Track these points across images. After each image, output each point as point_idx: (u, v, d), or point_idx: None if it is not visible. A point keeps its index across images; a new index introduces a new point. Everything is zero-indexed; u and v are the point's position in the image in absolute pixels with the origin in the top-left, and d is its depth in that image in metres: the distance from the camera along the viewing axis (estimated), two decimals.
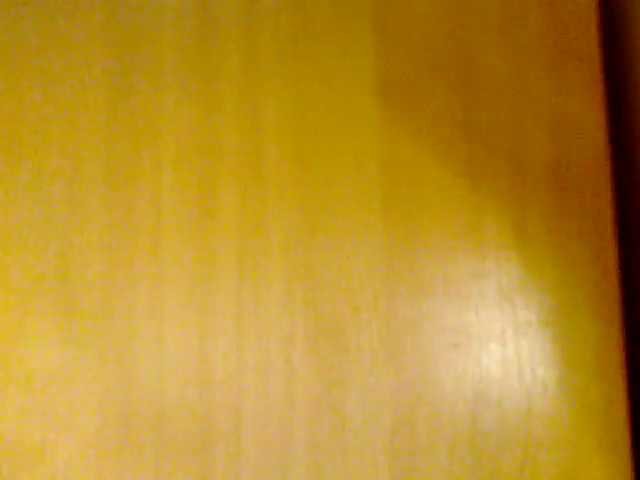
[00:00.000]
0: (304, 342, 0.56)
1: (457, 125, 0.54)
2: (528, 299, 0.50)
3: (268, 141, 0.61)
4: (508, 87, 0.54)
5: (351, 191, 0.57)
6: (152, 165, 0.65)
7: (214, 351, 0.61)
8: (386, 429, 0.53)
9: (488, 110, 0.54)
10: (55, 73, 0.68)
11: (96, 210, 0.66)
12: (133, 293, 0.64)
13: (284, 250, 0.58)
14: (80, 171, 0.68)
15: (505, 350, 0.50)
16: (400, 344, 0.53)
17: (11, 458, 0.68)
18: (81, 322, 0.67)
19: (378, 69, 0.59)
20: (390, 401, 0.53)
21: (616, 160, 0.63)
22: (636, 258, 0.60)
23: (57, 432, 0.66)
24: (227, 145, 0.62)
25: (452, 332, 0.52)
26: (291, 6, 0.64)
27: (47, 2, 0.71)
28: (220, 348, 0.60)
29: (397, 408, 0.53)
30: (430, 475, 0.51)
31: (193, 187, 0.64)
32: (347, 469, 0.54)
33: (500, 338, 0.50)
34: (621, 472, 0.48)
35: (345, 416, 0.54)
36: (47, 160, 0.69)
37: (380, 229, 0.55)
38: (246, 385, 0.59)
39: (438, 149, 0.54)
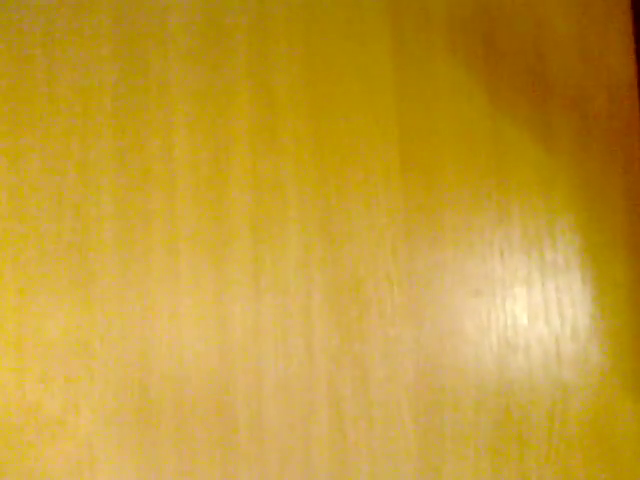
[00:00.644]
0: (322, 298, 0.55)
1: (477, 60, 0.52)
2: (555, 241, 0.48)
3: (281, 99, 0.59)
4: (530, 17, 0.51)
5: (368, 145, 0.55)
6: (164, 128, 0.64)
7: (232, 312, 0.60)
8: (409, 381, 0.51)
9: (511, 41, 0.51)
10: (64, 39, 0.67)
11: (109, 176, 0.65)
12: (149, 259, 0.63)
13: (300, 207, 0.56)
14: (92, 139, 0.67)
15: (531, 294, 0.48)
16: (421, 295, 0.51)
17: (35, 423, 0.68)
18: (99, 290, 0.66)
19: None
20: (412, 353, 0.52)
21: None
22: None
23: (78, 399, 0.66)
24: (240, 104, 0.60)
25: (474, 279, 0.50)
26: None
27: None
28: (238, 309, 0.59)
29: (420, 360, 0.51)
30: (456, 426, 0.49)
31: (206, 148, 0.62)
32: (370, 423, 0.52)
33: (526, 282, 0.49)
34: None
35: (367, 370, 0.53)
36: (59, 129, 0.68)
37: (398, 180, 0.53)
38: (265, 344, 0.57)
39: (457, 89, 0.52)
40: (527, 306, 0.49)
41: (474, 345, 0.50)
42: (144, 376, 0.64)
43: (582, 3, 0.51)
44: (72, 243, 0.67)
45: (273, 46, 0.58)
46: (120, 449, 0.65)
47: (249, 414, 0.59)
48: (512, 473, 0.49)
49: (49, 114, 0.67)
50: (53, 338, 0.68)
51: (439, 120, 0.53)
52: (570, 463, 0.48)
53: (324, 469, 0.55)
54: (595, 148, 0.49)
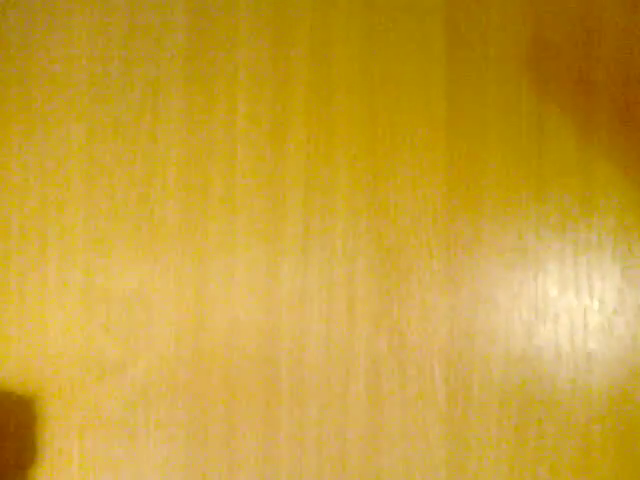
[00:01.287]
0: (366, 264, 0.59)
1: (523, 44, 0.55)
2: (589, 221, 0.51)
3: (337, 76, 0.63)
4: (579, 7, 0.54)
5: (416, 125, 0.59)
6: (228, 105, 0.69)
7: (281, 275, 0.65)
8: (442, 345, 0.55)
9: (556, 29, 0.54)
10: (141, 17, 0.73)
11: (176, 141, 0.71)
12: (207, 220, 0.69)
13: (350, 176, 0.61)
14: (161, 108, 0.73)
15: (563, 269, 0.52)
16: (458, 265, 0.55)
17: (97, 368, 0.75)
18: (160, 250, 0.72)
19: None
20: (447, 318, 0.55)
21: None
22: None
23: (137, 346, 0.73)
24: (298, 80, 0.65)
25: (509, 252, 0.53)
26: None
27: None
28: (287, 272, 0.64)
29: (453, 325, 0.55)
30: (485, 386, 0.53)
31: (265, 124, 0.67)
32: (405, 381, 0.57)
33: (558, 257, 0.52)
34: None
35: (403, 333, 0.57)
36: (132, 99, 0.74)
37: (443, 157, 0.57)
38: (310, 306, 0.62)
39: (505, 74, 0.55)
40: (558, 279, 0.52)
41: (505, 313, 0.53)
42: (198, 329, 0.70)
43: None
44: (138, 206, 0.73)
45: (334, 30, 0.62)
46: (173, 394, 0.71)
47: (292, 369, 0.64)
48: (532, 435, 0.52)
49: (124, 86, 0.73)
50: (117, 292, 0.74)
51: (486, 102, 0.56)
52: (590, 431, 0.51)
53: (360, 420, 0.60)
54: (635, 136, 0.51)
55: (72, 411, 0.77)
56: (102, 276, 0.74)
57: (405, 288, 0.57)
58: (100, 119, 0.74)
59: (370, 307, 0.59)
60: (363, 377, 0.59)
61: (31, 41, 0.78)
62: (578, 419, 0.51)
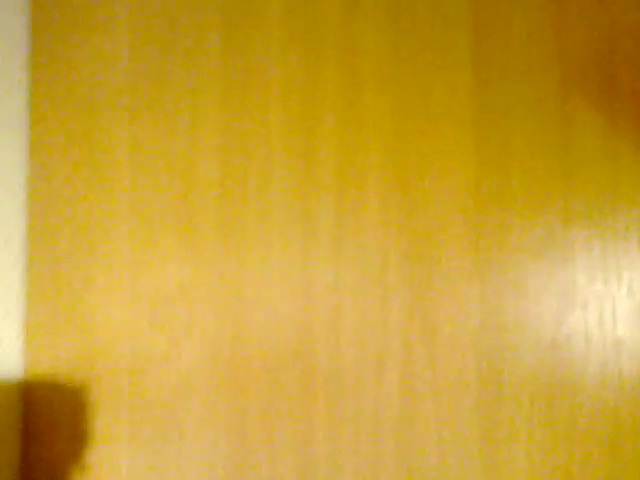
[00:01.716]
0: (398, 255, 0.61)
1: (549, 37, 0.56)
2: (616, 210, 0.52)
3: (367, 72, 0.65)
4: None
5: (444, 118, 0.60)
6: (263, 98, 0.72)
7: (315, 268, 0.67)
8: (473, 333, 0.57)
9: (580, 25, 0.55)
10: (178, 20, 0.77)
11: (214, 139, 0.74)
12: (244, 218, 0.72)
13: (380, 170, 0.63)
14: (200, 105, 0.76)
15: (591, 257, 0.53)
16: (487, 254, 0.57)
17: (143, 359, 0.79)
18: (200, 246, 0.76)
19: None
20: (477, 308, 0.57)
21: None
22: None
23: (180, 339, 0.76)
24: (328, 77, 0.67)
25: (537, 241, 0.55)
26: None
27: None
28: (321, 265, 0.67)
29: (484, 314, 0.57)
30: (515, 373, 0.55)
31: (298, 119, 0.70)
32: (436, 371, 0.59)
33: (586, 246, 0.53)
34: None
35: (435, 323, 0.59)
36: (171, 94, 0.78)
37: (471, 150, 0.58)
38: (344, 298, 0.65)
39: (530, 70, 0.56)
40: (586, 268, 0.53)
41: (534, 302, 0.55)
42: (236, 323, 0.73)
43: None
44: (179, 206, 0.77)
45: (362, 28, 0.65)
46: (214, 384, 0.74)
47: (327, 359, 0.66)
48: (563, 421, 0.53)
49: (163, 82, 0.77)
50: (160, 287, 0.78)
51: (512, 96, 0.57)
52: (620, 416, 0.52)
53: (393, 409, 0.62)
54: None
55: (120, 400, 0.81)
56: (146, 273, 0.78)
57: (436, 278, 0.59)
58: (141, 114, 0.78)
59: (402, 298, 0.61)
60: (396, 367, 0.61)
61: (75, 38, 0.83)
62: (608, 404, 0.52)
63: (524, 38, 0.57)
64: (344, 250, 0.65)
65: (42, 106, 0.88)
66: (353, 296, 0.64)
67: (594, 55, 0.54)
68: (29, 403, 0.89)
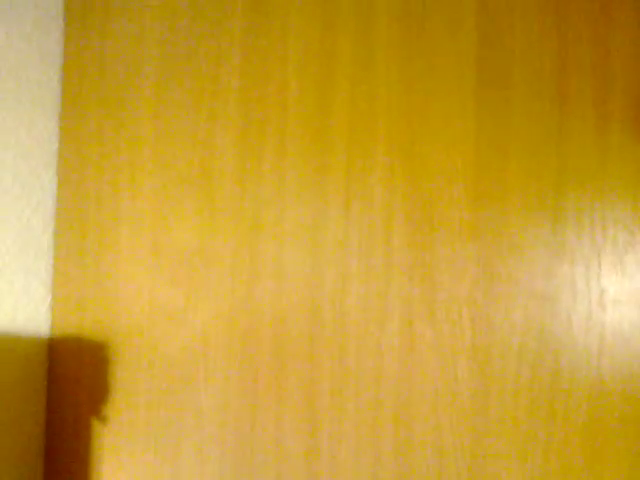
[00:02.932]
0: (402, 217, 0.66)
1: (546, 32, 0.60)
2: (604, 173, 0.56)
3: (379, 45, 0.70)
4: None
5: (447, 93, 0.65)
6: (281, 68, 0.76)
7: (325, 230, 0.72)
8: (470, 288, 0.61)
9: (577, 13, 0.59)
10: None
11: (233, 110, 0.79)
12: (260, 183, 0.77)
13: (388, 136, 0.67)
14: (221, 81, 0.81)
15: (579, 215, 0.57)
16: (484, 215, 0.61)
17: (162, 316, 0.84)
18: (218, 208, 0.81)
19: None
20: (473, 265, 0.61)
21: None
22: None
23: (197, 298, 0.81)
24: (343, 48, 0.72)
25: (531, 204, 0.59)
26: None
27: None
28: (330, 227, 0.71)
29: (479, 270, 0.61)
30: (506, 323, 0.59)
31: (313, 84, 0.74)
32: (435, 324, 0.63)
33: (575, 207, 0.57)
34: None
35: (435, 279, 0.64)
36: (195, 71, 0.83)
37: (472, 118, 0.63)
38: (351, 257, 0.69)
39: (528, 50, 0.60)
40: (574, 225, 0.57)
41: (527, 259, 0.59)
42: (251, 281, 0.78)
43: None
44: (199, 172, 0.82)
45: (375, 1, 0.69)
46: (228, 339, 0.79)
47: (334, 315, 0.71)
48: (548, 367, 0.57)
49: (188, 61, 0.82)
50: (180, 246, 0.83)
51: (512, 76, 0.61)
52: (601, 363, 0.55)
53: (394, 361, 0.66)
54: None
55: (139, 356, 0.87)
56: (167, 235, 0.84)
57: (436, 238, 0.64)
58: (166, 85, 0.83)
59: (405, 257, 0.66)
60: (397, 321, 0.66)
61: (109, 25, 0.89)
62: (591, 351, 0.55)
63: (525, 22, 0.61)
64: (352, 210, 0.70)
65: (73, 82, 0.94)
66: (359, 256, 0.69)
67: (588, 45, 0.58)
68: (55, 359, 0.95)
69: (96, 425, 0.90)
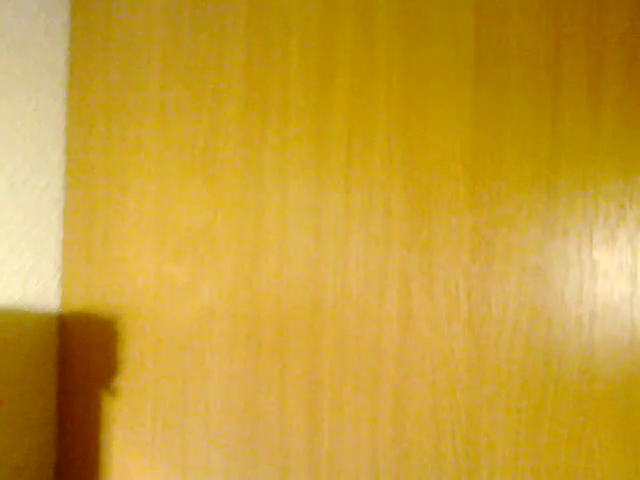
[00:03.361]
0: (400, 189, 0.67)
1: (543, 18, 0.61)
2: (596, 150, 0.57)
3: (379, 23, 0.71)
4: None
5: (445, 70, 0.66)
6: (283, 47, 0.78)
7: (326, 203, 0.73)
8: (466, 261, 0.63)
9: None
10: None
11: (237, 90, 0.81)
12: (263, 162, 0.79)
13: (388, 110, 0.69)
14: (225, 61, 0.83)
15: (571, 191, 0.58)
16: (480, 190, 0.62)
17: (168, 292, 0.87)
18: (222, 187, 0.82)
19: None
20: (469, 238, 0.63)
21: None
22: None
23: (202, 274, 0.84)
24: (344, 25, 0.73)
25: (526, 180, 0.60)
26: None
27: None
28: (331, 199, 0.73)
29: (474, 243, 0.63)
30: (501, 294, 0.61)
31: (315, 60, 0.75)
32: (432, 296, 0.65)
33: (568, 183, 0.58)
34: None
35: (432, 253, 0.65)
36: (199, 53, 0.84)
37: (470, 93, 0.64)
38: (352, 228, 0.71)
39: (523, 29, 0.61)
40: (567, 200, 0.58)
41: (521, 233, 0.60)
42: (253, 257, 0.80)
43: None
44: (204, 151, 0.84)
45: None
46: (232, 314, 0.81)
47: (335, 287, 0.73)
48: (542, 339, 0.59)
49: (192, 42, 0.84)
50: (186, 226, 0.85)
51: (509, 52, 0.62)
52: (593, 334, 0.57)
53: (393, 332, 0.68)
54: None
55: (148, 329, 0.89)
56: (173, 213, 0.86)
57: (435, 214, 0.65)
58: (171, 64, 0.85)
59: (403, 233, 0.67)
60: (396, 293, 0.68)
61: (114, 3, 0.90)
62: (582, 322, 0.57)
63: (521, 8, 0.62)
64: (352, 189, 0.71)
65: (79, 62, 0.96)
66: (359, 231, 0.71)
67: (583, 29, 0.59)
68: (65, 333, 0.98)
69: (106, 397, 0.94)
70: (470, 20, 0.64)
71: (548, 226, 0.59)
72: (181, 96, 0.85)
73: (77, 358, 0.97)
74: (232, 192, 0.81)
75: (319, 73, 0.74)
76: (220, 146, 0.82)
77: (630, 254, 0.55)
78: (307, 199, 0.75)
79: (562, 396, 0.58)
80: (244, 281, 0.80)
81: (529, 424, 0.60)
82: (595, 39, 0.58)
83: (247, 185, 0.80)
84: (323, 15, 0.74)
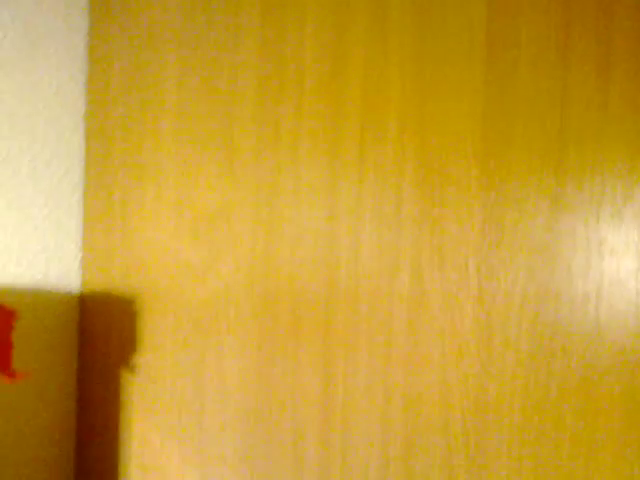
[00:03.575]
0: (412, 170, 0.69)
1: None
2: (604, 128, 0.59)
3: (393, 9, 0.72)
4: None
5: (457, 43, 0.68)
6: (297, 31, 0.80)
7: (340, 186, 0.75)
8: (476, 238, 0.65)
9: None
10: None
11: (252, 73, 0.83)
12: (278, 143, 0.81)
13: (401, 92, 0.71)
14: (240, 46, 0.85)
15: (579, 168, 0.60)
16: (490, 169, 0.64)
17: (186, 273, 0.89)
18: (239, 169, 0.85)
19: None
20: (480, 216, 0.65)
21: None
22: None
23: (219, 254, 0.86)
24: (357, 12, 0.75)
25: (534, 160, 0.62)
26: None
27: None
28: (345, 183, 0.75)
29: (485, 220, 0.65)
30: (510, 271, 0.63)
31: (330, 43, 0.77)
32: (443, 274, 0.67)
33: (576, 161, 0.60)
34: None
35: (443, 230, 0.67)
36: (214, 38, 0.86)
37: (481, 73, 0.66)
38: (364, 211, 0.73)
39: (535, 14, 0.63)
40: (574, 177, 0.60)
41: (528, 211, 0.62)
42: (270, 239, 0.82)
43: None
44: (221, 134, 0.86)
45: None
46: (248, 294, 0.84)
47: (348, 264, 0.75)
48: (550, 312, 0.61)
49: (207, 28, 0.86)
50: (203, 207, 0.88)
51: (520, 37, 0.64)
52: (599, 310, 0.59)
53: (404, 306, 0.70)
54: None
55: (165, 310, 0.92)
56: (190, 193, 0.88)
57: (446, 192, 0.67)
58: (189, 50, 0.87)
59: (415, 210, 0.69)
60: (408, 270, 0.70)
61: None
62: (590, 298, 0.59)
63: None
64: (365, 168, 0.73)
65: (99, 47, 0.98)
66: (372, 210, 0.73)
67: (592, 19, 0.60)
68: (86, 313, 1.01)
69: (125, 374, 0.97)
70: (482, 3, 0.65)
71: (556, 205, 0.61)
72: (198, 77, 0.87)
73: (97, 336, 1.00)
74: (247, 172, 0.84)
75: (333, 56, 0.76)
76: (236, 129, 0.84)
77: (636, 231, 0.57)
78: (321, 179, 0.77)
79: (568, 366, 0.60)
80: (260, 260, 0.83)
81: (536, 392, 0.62)
82: (604, 21, 0.59)
83: (262, 165, 0.82)
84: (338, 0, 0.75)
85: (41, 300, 0.98)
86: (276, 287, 0.82)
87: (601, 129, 0.59)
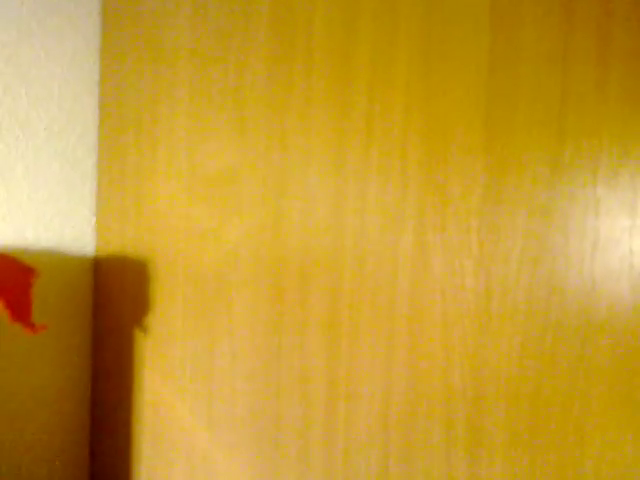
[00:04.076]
0: (418, 134, 0.72)
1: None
2: (605, 104, 0.61)
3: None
4: None
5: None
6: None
7: (347, 146, 0.78)
8: (478, 202, 0.67)
9: None
10: None
11: (263, 42, 0.85)
12: (288, 107, 0.83)
13: (408, 56, 0.73)
14: (250, 24, 0.87)
15: (580, 134, 0.62)
16: (493, 133, 0.66)
17: (197, 234, 0.92)
18: (249, 135, 0.87)
19: None
20: (482, 181, 0.67)
21: None
22: None
23: (229, 218, 0.89)
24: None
25: (538, 124, 0.64)
26: None
27: None
28: (352, 143, 0.77)
29: (487, 183, 0.67)
30: (510, 234, 0.65)
31: (339, 19, 0.79)
32: (445, 234, 0.70)
33: (577, 129, 0.62)
34: None
35: (446, 192, 0.70)
36: (225, 9, 0.88)
37: (486, 39, 0.67)
38: (371, 180, 0.76)
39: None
40: (574, 140, 0.62)
41: (530, 175, 0.65)
42: (278, 202, 0.85)
43: None
44: (232, 100, 0.88)
45: None
46: (257, 257, 0.87)
47: (354, 226, 0.78)
48: (545, 276, 0.64)
49: (220, 9, 0.87)
50: (214, 171, 0.90)
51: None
52: (594, 276, 0.62)
53: (407, 266, 0.73)
54: None
55: (177, 270, 0.95)
56: (201, 159, 0.91)
57: (450, 155, 0.70)
58: (201, 15, 0.89)
59: (419, 172, 0.72)
60: (412, 231, 0.72)
61: None
62: (584, 264, 0.62)
63: None
64: (373, 132, 0.76)
65: (112, 12, 1.00)
66: (378, 172, 0.75)
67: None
68: (100, 275, 1.05)
69: (138, 334, 1.00)
70: None
71: (555, 167, 0.63)
72: (211, 44, 0.90)
73: (111, 298, 1.04)
74: (258, 137, 0.86)
75: (343, 23, 0.78)
76: (246, 93, 0.86)
77: (631, 191, 0.59)
78: (330, 143, 0.79)
79: (563, 322, 0.63)
80: (268, 223, 0.86)
81: (531, 348, 0.65)
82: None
83: (272, 130, 0.85)
84: None
85: (56, 262, 1.01)
86: (284, 249, 0.85)
87: (600, 91, 0.61)
